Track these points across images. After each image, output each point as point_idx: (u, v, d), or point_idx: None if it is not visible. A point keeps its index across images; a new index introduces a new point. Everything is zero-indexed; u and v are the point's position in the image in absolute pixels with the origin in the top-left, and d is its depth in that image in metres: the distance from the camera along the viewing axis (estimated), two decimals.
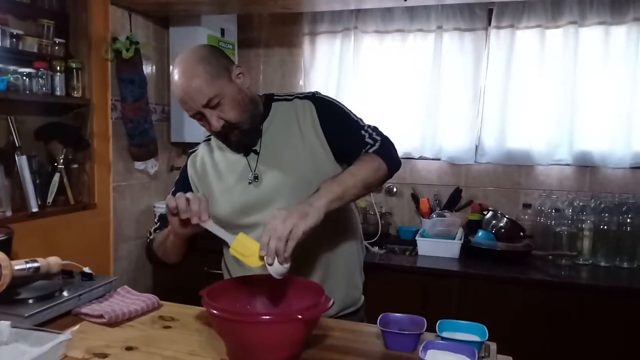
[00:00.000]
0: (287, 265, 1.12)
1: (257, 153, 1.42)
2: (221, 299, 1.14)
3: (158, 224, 1.50)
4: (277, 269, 1.11)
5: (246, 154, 1.43)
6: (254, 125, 1.40)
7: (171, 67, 1.33)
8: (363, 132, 1.38)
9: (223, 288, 1.21)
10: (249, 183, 1.41)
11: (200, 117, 1.33)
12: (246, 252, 1.15)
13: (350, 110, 1.45)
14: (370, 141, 1.36)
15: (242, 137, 1.38)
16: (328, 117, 1.41)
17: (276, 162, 1.41)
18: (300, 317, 1.02)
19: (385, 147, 1.35)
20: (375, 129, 1.41)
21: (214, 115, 1.31)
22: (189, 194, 1.20)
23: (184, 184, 1.51)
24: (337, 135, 1.40)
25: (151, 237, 1.49)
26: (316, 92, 1.49)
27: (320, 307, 1.08)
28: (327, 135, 1.40)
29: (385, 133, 1.40)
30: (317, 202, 1.15)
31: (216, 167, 1.47)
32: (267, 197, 1.39)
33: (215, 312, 1.04)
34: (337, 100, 1.47)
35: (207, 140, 1.54)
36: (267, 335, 1.04)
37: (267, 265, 1.10)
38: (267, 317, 1.05)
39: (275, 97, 1.48)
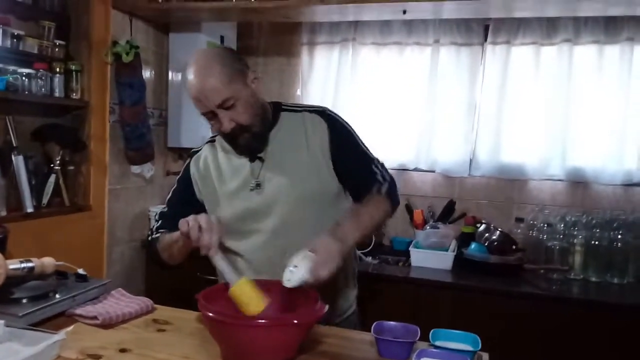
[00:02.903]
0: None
1: (262, 160, 1.43)
2: (217, 303, 1.14)
3: (160, 222, 1.51)
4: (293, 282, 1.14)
5: (251, 160, 1.44)
6: (263, 130, 1.41)
7: (188, 65, 1.31)
8: (374, 167, 1.44)
9: (219, 292, 1.22)
10: (251, 190, 1.42)
11: (211, 116, 1.34)
12: (244, 298, 1.17)
13: (359, 137, 1.48)
14: (381, 179, 1.42)
15: (250, 141, 1.39)
16: (339, 142, 1.43)
17: (280, 172, 1.42)
18: (295, 322, 1.03)
19: (393, 189, 1.43)
20: (383, 165, 1.47)
21: (226, 116, 1.32)
22: (202, 221, 1.19)
23: (185, 183, 1.51)
24: (347, 163, 1.43)
25: (154, 235, 1.49)
26: (326, 108, 1.50)
27: (315, 312, 1.09)
28: (335, 159, 1.42)
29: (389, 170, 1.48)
30: (344, 249, 1.20)
31: (219, 169, 1.48)
32: (268, 205, 1.41)
33: (211, 315, 1.05)
34: (347, 122, 1.49)
35: (211, 141, 1.54)
36: (262, 340, 1.04)
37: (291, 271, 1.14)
38: (263, 321, 1.06)
39: (283, 107, 1.50)
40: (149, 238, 1.52)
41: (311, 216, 1.41)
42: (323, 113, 1.47)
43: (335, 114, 1.49)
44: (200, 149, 1.55)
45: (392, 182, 1.43)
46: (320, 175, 1.42)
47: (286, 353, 1.10)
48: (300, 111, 1.48)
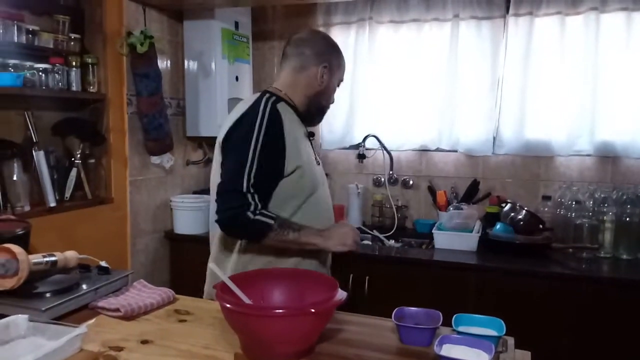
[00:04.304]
0: None
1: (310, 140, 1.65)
2: (235, 293, 1.13)
3: (256, 196, 1.36)
4: None
5: (310, 136, 1.64)
6: None
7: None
8: None
9: (236, 282, 1.20)
10: (318, 164, 1.63)
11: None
12: None
13: None
14: None
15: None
16: None
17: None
18: (313, 310, 1.01)
19: None
20: None
21: None
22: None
23: (275, 138, 1.41)
24: None
25: (259, 217, 1.36)
26: None
27: (333, 300, 1.07)
28: None
29: None
30: None
31: (298, 132, 1.56)
32: (322, 180, 1.62)
33: (228, 306, 1.04)
34: None
35: (276, 101, 1.51)
36: (280, 329, 1.03)
37: None
38: (280, 310, 1.05)
39: None
40: (251, 216, 1.35)
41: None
42: None
43: None
44: (273, 97, 1.51)
45: None
46: None
47: (305, 342, 1.09)
48: None
